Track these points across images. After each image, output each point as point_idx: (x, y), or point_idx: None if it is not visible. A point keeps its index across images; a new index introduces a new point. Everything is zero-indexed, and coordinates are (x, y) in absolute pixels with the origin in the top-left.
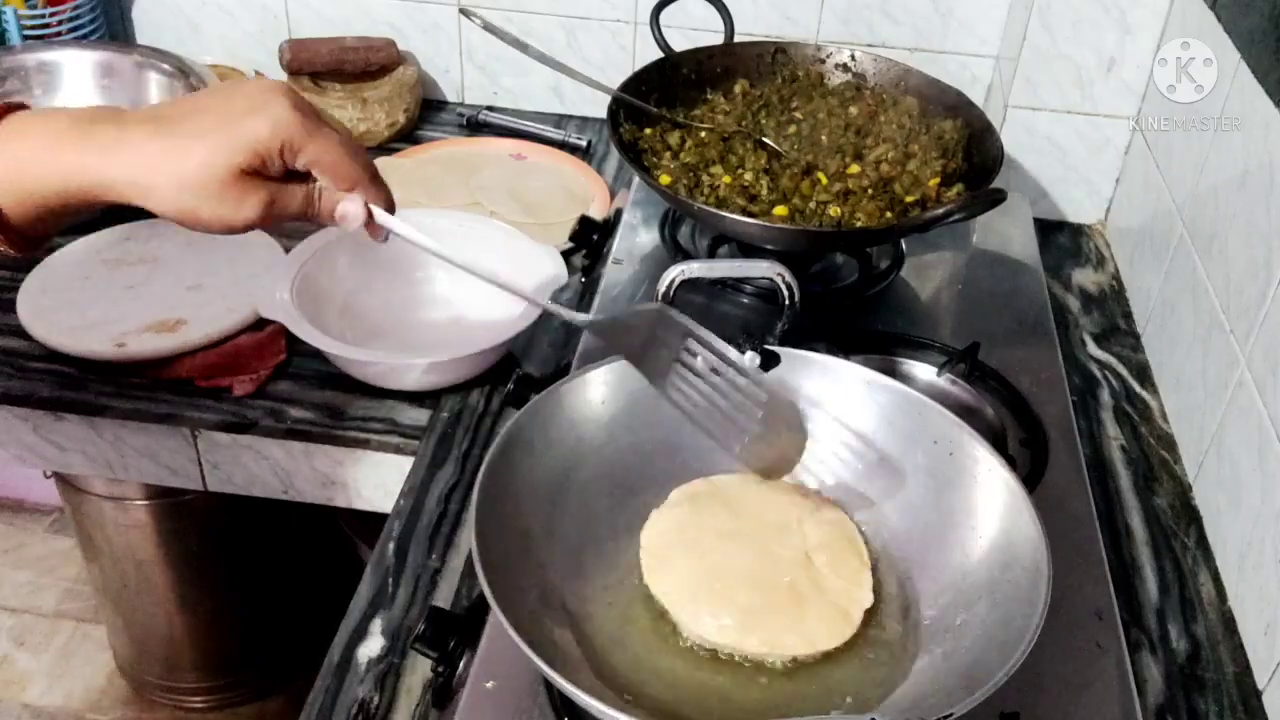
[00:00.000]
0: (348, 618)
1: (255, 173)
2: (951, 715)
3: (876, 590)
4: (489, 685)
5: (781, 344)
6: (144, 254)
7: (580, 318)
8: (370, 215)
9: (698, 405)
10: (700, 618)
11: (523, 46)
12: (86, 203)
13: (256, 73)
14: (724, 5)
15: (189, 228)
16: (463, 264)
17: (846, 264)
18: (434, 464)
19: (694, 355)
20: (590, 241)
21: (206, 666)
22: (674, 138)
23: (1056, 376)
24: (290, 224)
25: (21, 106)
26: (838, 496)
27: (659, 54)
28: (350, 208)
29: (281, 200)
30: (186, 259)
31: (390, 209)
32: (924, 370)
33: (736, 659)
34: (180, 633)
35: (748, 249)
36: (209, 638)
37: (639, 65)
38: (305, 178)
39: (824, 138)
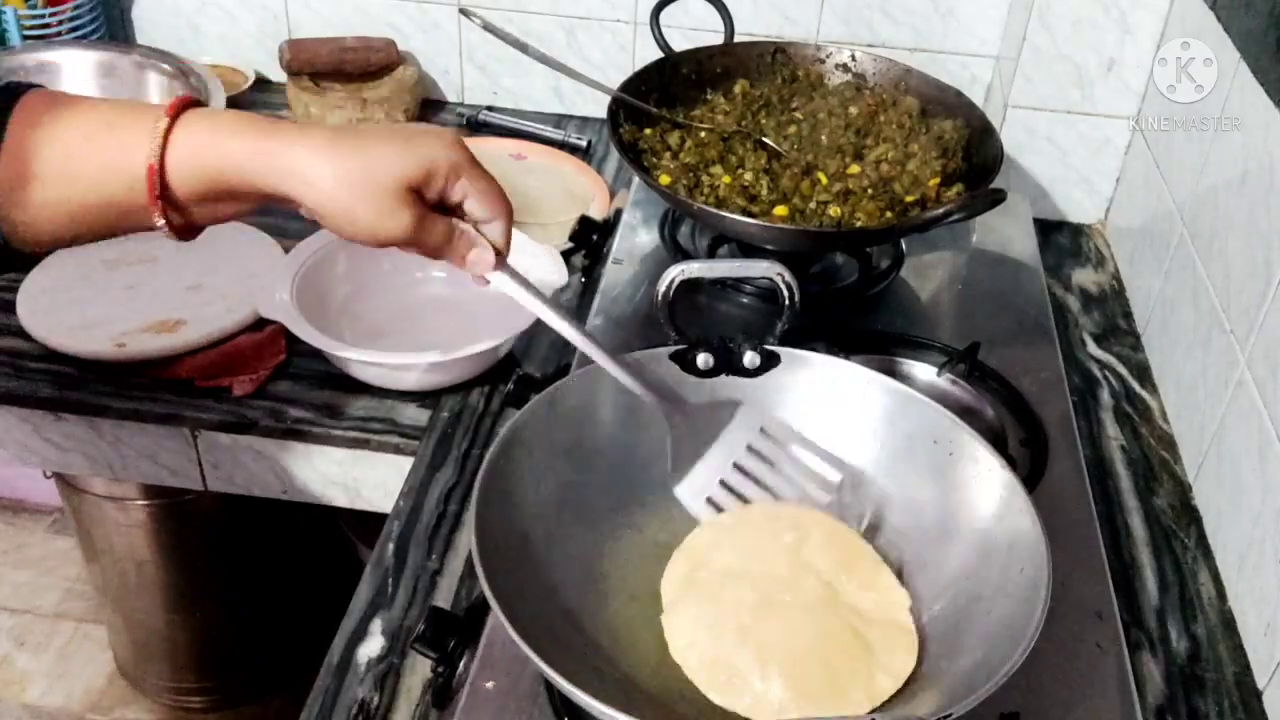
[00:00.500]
0: (348, 618)
1: (415, 191)
2: (951, 715)
3: None
4: (489, 685)
5: (781, 344)
6: (144, 254)
7: (663, 406)
8: (496, 264)
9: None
10: (795, 703)
11: (523, 46)
12: (254, 192)
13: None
14: (724, 5)
15: (335, 230)
16: (576, 339)
17: (846, 264)
18: (434, 464)
19: (755, 454)
20: (590, 241)
21: (206, 666)
22: (674, 138)
23: (1056, 376)
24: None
25: (200, 103)
26: (837, 499)
27: (659, 54)
28: (484, 255)
29: (427, 225)
30: (186, 259)
31: (506, 250)
32: (924, 370)
33: None
34: (180, 633)
35: (748, 249)
36: (209, 638)
37: (639, 65)
38: (448, 215)
39: (824, 138)
